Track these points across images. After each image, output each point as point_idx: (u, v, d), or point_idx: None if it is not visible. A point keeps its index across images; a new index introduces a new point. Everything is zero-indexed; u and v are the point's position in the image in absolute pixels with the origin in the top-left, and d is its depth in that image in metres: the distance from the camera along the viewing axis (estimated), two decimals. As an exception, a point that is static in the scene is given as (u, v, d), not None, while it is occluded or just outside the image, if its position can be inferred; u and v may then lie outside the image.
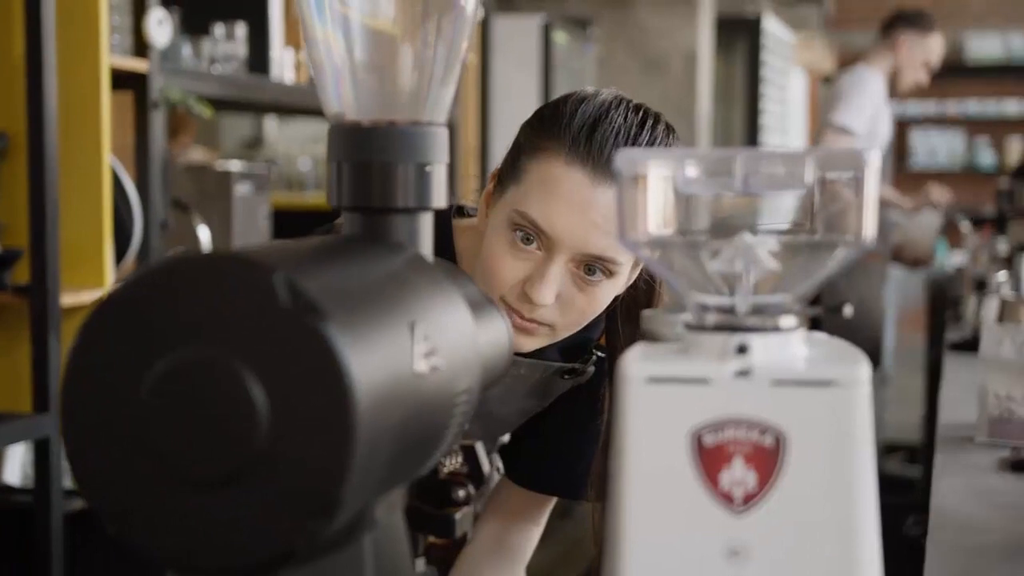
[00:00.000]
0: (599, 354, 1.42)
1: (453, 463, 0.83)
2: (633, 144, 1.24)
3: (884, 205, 4.34)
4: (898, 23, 4.30)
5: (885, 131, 4.23)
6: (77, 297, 2.37)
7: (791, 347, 0.67)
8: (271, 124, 5.81)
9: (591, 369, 1.41)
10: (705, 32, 5.57)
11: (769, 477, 0.64)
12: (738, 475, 0.64)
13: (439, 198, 0.77)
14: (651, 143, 1.26)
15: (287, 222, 3.15)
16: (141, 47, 2.57)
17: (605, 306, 1.29)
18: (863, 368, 0.65)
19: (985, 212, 6.81)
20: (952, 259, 6.03)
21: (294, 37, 3.32)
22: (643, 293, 1.38)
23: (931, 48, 4.23)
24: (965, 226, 4.71)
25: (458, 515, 0.80)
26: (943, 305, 4.34)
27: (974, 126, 9.89)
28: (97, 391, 0.60)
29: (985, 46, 9.71)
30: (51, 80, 2.27)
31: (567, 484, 1.46)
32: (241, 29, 3.02)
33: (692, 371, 0.65)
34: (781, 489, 0.64)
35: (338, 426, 0.57)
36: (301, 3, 0.77)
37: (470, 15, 0.78)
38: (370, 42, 0.76)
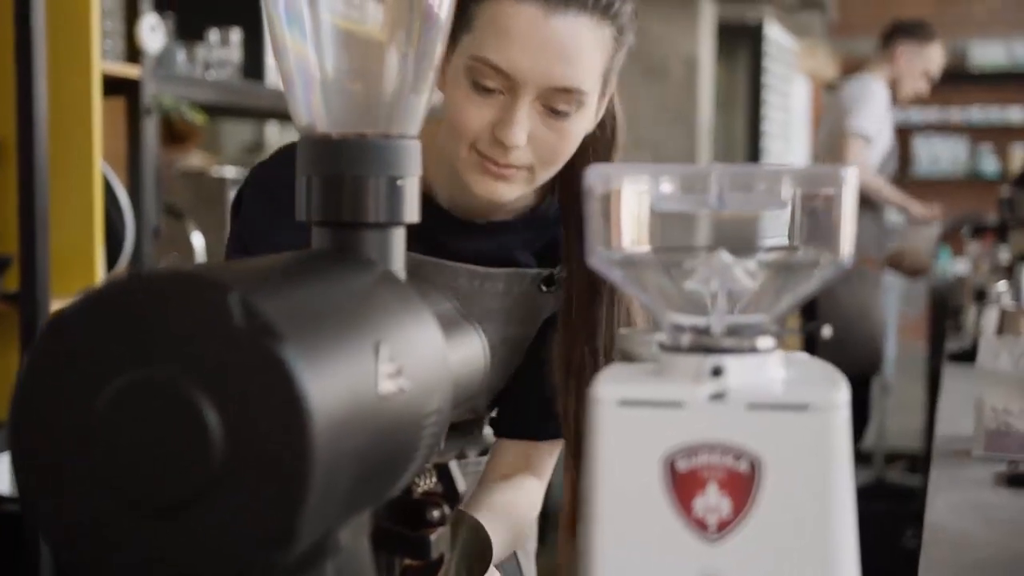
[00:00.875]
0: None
1: (427, 483, 0.81)
2: None
3: (892, 206, 4.32)
4: (897, 33, 4.30)
5: (888, 138, 4.24)
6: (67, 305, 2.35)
7: (768, 369, 0.65)
8: (272, 129, 5.80)
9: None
10: (706, 39, 5.55)
11: (744, 504, 0.62)
12: (712, 501, 0.62)
13: (411, 212, 0.75)
14: None
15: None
16: (134, 53, 2.55)
17: (578, 140, 1.26)
18: (841, 392, 0.63)
19: (988, 220, 6.79)
20: (954, 267, 6.00)
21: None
22: (607, 135, 1.34)
23: (930, 57, 4.22)
24: (966, 234, 4.68)
25: (433, 536, 0.78)
26: (944, 314, 4.32)
27: (977, 133, 9.86)
28: (49, 411, 0.58)
29: (988, 53, 9.69)
30: (41, 85, 2.25)
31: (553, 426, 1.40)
32: (236, 35, 3.00)
33: (665, 394, 0.63)
34: (756, 516, 0.62)
35: (294, 451, 0.55)
36: (270, 12, 0.75)
37: (443, 22, 0.76)
38: (341, 52, 0.74)
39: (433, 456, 0.76)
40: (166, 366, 0.56)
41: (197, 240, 2.86)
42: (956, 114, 9.80)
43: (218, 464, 0.55)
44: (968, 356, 2.68)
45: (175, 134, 3.59)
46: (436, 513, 0.79)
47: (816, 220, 0.64)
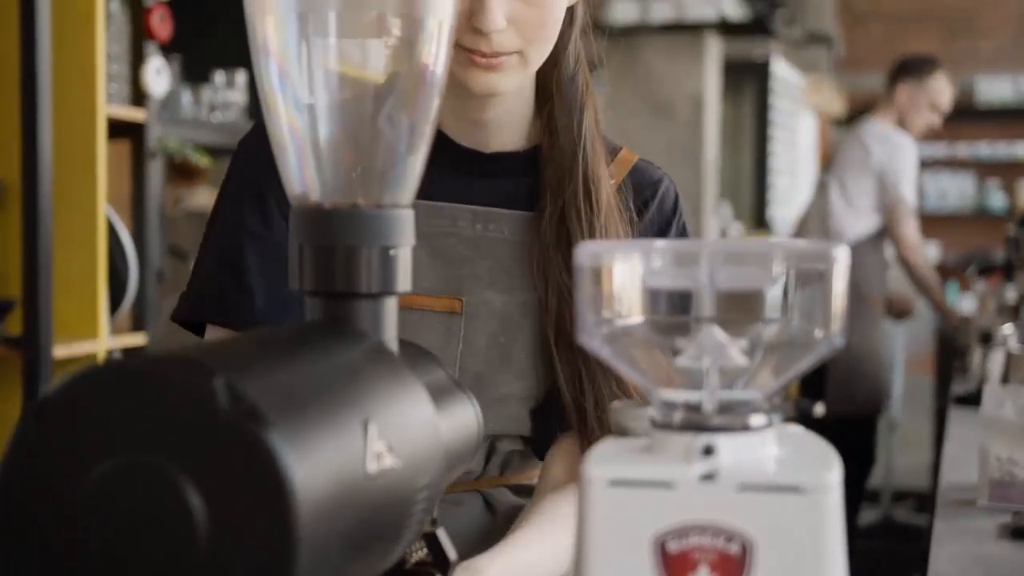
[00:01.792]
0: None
1: (419, 553, 0.81)
2: None
3: (931, 299, 4.34)
4: (896, 73, 4.33)
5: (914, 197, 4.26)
6: (70, 349, 2.35)
7: (760, 448, 0.64)
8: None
9: None
10: (712, 77, 5.56)
11: (735, 586, 0.61)
12: (704, 583, 0.62)
13: (404, 282, 0.75)
14: None
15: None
16: (139, 96, 2.56)
17: (561, 12, 1.20)
18: (834, 472, 0.62)
19: (995, 256, 6.76)
20: (961, 303, 5.98)
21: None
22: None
23: (934, 90, 4.22)
24: (972, 273, 4.67)
25: (427, 606, 0.78)
26: (951, 354, 4.30)
27: (985, 169, 9.87)
28: (33, 495, 0.57)
29: (996, 89, 9.70)
30: (47, 129, 2.26)
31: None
32: (241, 76, 3.01)
33: (656, 474, 0.62)
34: (748, 599, 0.61)
35: (280, 537, 0.55)
36: (262, 80, 0.75)
37: (439, 84, 0.76)
38: (334, 121, 0.74)
39: (423, 529, 0.76)
40: (151, 451, 0.55)
41: (201, 281, 2.85)
42: (964, 149, 9.81)
43: (203, 549, 0.55)
44: (974, 399, 2.67)
45: (182, 170, 3.60)
46: (429, 583, 0.78)
47: (808, 297, 0.63)
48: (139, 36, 2.54)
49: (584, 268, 0.65)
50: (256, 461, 0.54)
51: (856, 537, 4.29)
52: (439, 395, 0.75)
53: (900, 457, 5.47)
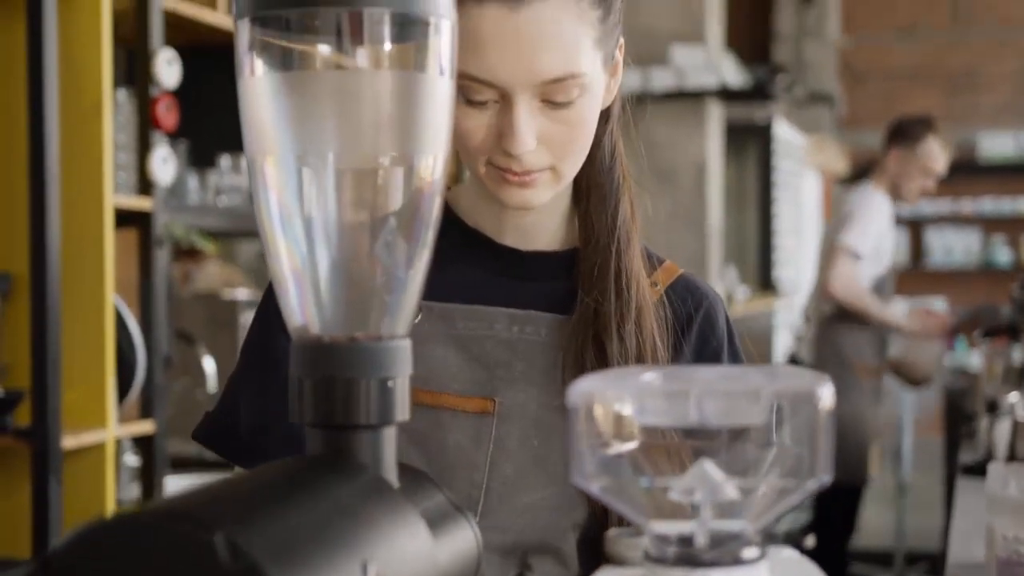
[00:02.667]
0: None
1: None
2: None
3: (886, 328, 4.30)
4: (888, 138, 4.36)
5: (888, 250, 4.24)
6: (79, 439, 2.36)
7: (753, 581, 0.65)
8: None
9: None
10: (714, 143, 5.61)
11: None
12: None
13: (403, 411, 0.76)
14: None
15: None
16: (146, 184, 2.59)
17: (594, 124, 1.17)
18: (825, 606, 0.64)
19: (1002, 311, 6.76)
20: (969, 359, 5.97)
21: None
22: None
23: (924, 155, 4.22)
24: (978, 336, 4.65)
25: None
26: (958, 416, 4.29)
27: (990, 224, 9.91)
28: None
29: (997, 145, 9.76)
30: (55, 221, 2.29)
31: None
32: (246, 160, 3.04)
33: (650, 611, 0.63)
34: None
35: None
36: (262, 215, 0.77)
37: (435, 212, 0.78)
38: (332, 256, 0.76)
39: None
40: (153, 605, 0.57)
41: (208, 365, 2.88)
42: (968, 205, 9.85)
43: None
44: (981, 469, 2.67)
45: (190, 250, 3.63)
46: None
47: (794, 434, 0.65)
48: (145, 125, 2.58)
49: (577, 407, 0.66)
50: (257, 616, 0.56)
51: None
52: (438, 521, 0.77)
53: (913, 519, 5.44)
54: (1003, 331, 4.51)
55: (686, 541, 0.66)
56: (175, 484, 2.68)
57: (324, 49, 0.78)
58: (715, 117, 5.61)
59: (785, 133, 7.46)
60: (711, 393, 0.65)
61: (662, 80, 5.30)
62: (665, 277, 1.28)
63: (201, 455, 2.87)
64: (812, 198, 8.77)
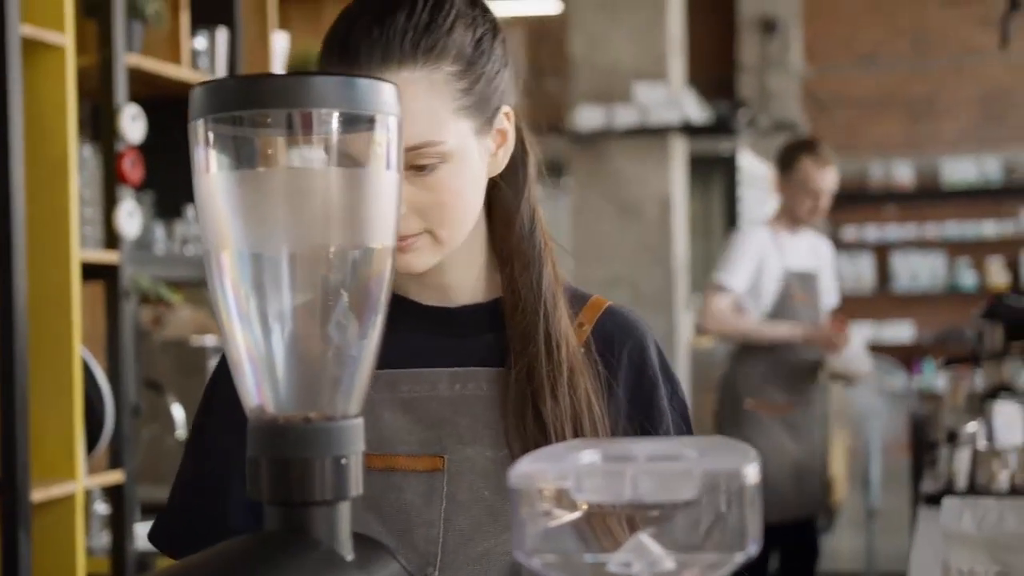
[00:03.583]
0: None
1: None
2: (390, 19, 1.15)
3: (766, 341, 4.23)
4: (775, 167, 4.41)
5: (771, 283, 4.19)
6: (48, 492, 2.38)
7: (688, 650, 0.69)
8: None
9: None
10: (678, 177, 5.68)
11: None
12: None
13: (356, 486, 0.80)
14: (420, 16, 1.16)
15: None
16: (112, 237, 2.62)
17: (468, 191, 1.19)
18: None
19: (967, 336, 6.83)
20: (936, 381, 6.02)
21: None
22: (519, 170, 1.28)
23: (803, 177, 4.14)
24: (940, 365, 4.71)
25: None
26: (923, 444, 4.34)
27: (954, 248, 10.03)
28: None
29: (959, 170, 9.89)
30: (21, 275, 2.31)
31: None
32: (213, 208, 3.07)
33: None
34: None
35: None
36: (218, 302, 0.80)
37: (384, 300, 0.82)
38: (287, 341, 0.79)
39: None
40: None
41: (177, 412, 2.90)
42: (932, 230, 9.96)
43: None
44: (941, 499, 2.71)
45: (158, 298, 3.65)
46: None
47: (723, 509, 0.69)
48: (111, 180, 2.61)
49: (517, 488, 0.70)
50: None
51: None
52: (392, 592, 0.80)
53: (883, 543, 5.49)
54: (965, 359, 4.58)
55: (625, 612, 0.70)
56: (145, 531, 2.69)
57: (276, 146, 0.82)
58: (679, 152, 5.68)
59: (750, 164, 7.54)
60: (645, 472, 0.69)
61: (626, 117, 5.37)
62: (591, 314, 1.31)
63: (171, 502, 2.88)
64: (778, 226, 8.83)
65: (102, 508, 2.85)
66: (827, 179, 4.20)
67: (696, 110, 5.72)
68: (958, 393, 4.25)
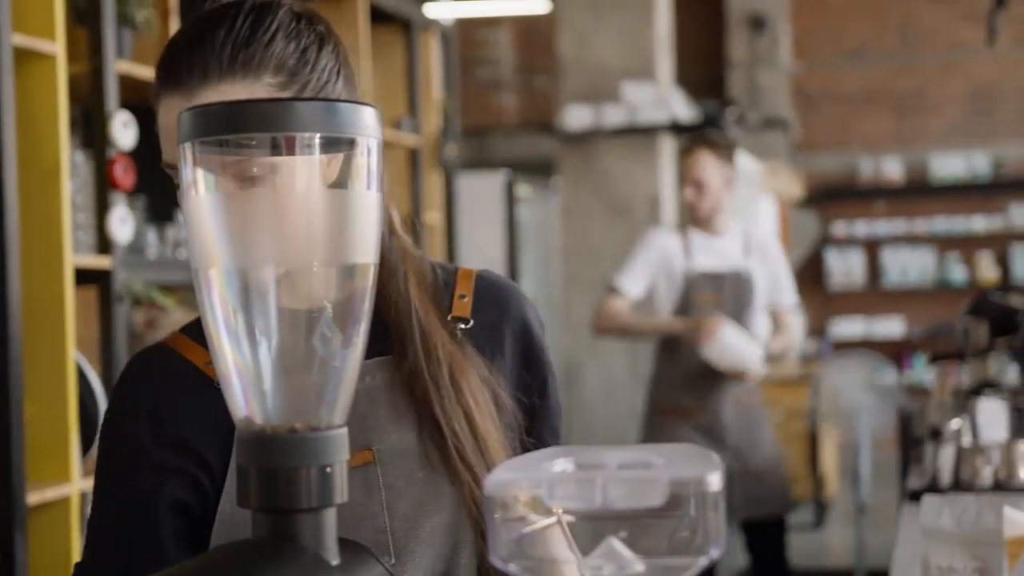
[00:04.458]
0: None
1: None
2: (211, 36, 1.16)
3: (648, 334, 4.21)
4: None
5: (675, 284, 4.11)
6: (43, 495, 2.41)
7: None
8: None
9: None
10: (667, 175, 5.71)
11: None
12: None
13: (341, 494, 0.83)
14: (242, 33, 1.17)
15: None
16: (104, 243, 2.65)
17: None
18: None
19: (957, 331, 6.88)
20: (927, 376, 6.06)
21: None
22: None
23: (686, 169, 4.13)
24: (928, 361, 4.74)
25: None
26: (911, 440, 4.37)
27: (943, 243, 10.08)
28: None
29: (948, 165, 9.94)
30: (15, 281, 2.34)
31: None
32: (205, 212, 3.09)
33: None
34: None
35: None
36: (207, 317, 0.83)
37: (367, 312, 0.85)
38: (274, 355, 0.83)
39: None
40: None
41: (171, 414, 2.92)
42: (921, 225, 10.02)
43: None
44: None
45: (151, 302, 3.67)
46: None
47: (689, 517, 0.72)
48: (103, 186, 2.64)
49: (492, 496, 0.73)
50: None
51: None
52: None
53: (873, 537, 5.53)
54: (952, 355, 4.61)
55: (597, 613, 0.74)
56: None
57: (262, 168, 0.85)
58: (667, 150, 5.71)
59: (739, 160, 7.57)
60: (615, 479, 0.73)
61: (614, 116, 5.41)
62: (467, 284, 1.34)
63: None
64: (768, 223, 8.88)
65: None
66: (693, 170, 4.02)
67: (684, 109, 5.76)
68: (945, 389, 4.28)
